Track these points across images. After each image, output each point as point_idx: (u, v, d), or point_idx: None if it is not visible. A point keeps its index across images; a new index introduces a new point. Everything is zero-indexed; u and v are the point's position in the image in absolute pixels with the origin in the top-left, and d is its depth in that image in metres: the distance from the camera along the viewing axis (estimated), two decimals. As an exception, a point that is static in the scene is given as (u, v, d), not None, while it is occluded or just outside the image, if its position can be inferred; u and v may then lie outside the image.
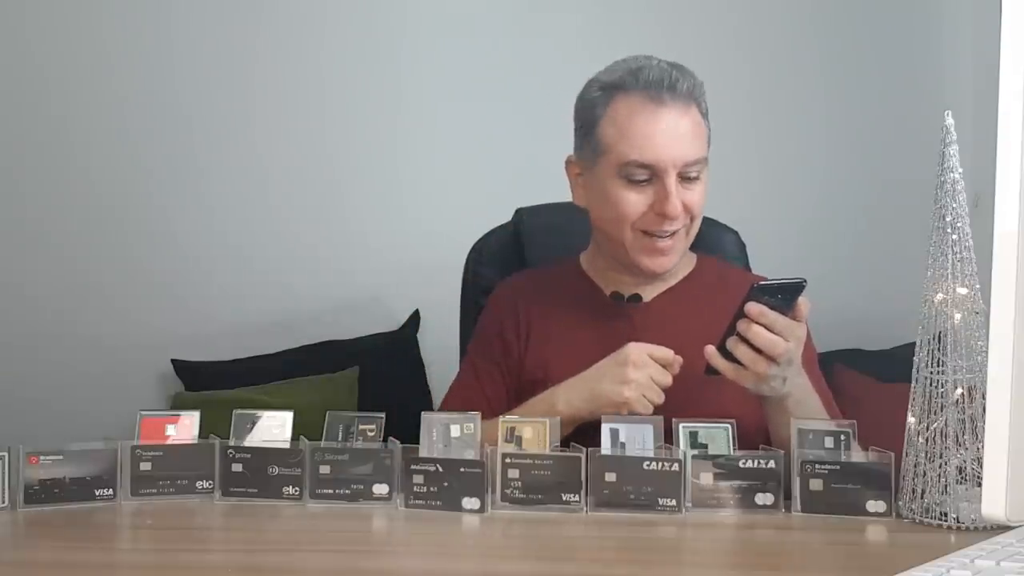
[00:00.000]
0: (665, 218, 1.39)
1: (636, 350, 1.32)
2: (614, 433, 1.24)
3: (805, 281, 1.21)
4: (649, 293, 1.51)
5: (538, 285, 1.58)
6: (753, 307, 1.20)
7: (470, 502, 1.18)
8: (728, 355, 1.23)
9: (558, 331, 1.51)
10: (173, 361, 2.85)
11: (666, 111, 1.38)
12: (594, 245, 1.56)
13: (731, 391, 1.30)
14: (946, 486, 1.10)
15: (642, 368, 1.30)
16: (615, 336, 1.45)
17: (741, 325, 1.21)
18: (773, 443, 1.31)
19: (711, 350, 1.24)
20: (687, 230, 1.44)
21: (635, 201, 1.40)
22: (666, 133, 1.37)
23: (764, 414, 1.34)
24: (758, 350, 1.21)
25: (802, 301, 1.23)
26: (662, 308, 1.50)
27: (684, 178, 1.39)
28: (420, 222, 2.96)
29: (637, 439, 1.23)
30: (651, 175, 1.38)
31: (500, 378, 1.52)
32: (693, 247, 1.51)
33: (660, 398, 1.30)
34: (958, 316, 1.10)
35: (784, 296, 1.21)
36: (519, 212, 1.81)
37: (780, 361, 1.22)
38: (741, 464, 1.19)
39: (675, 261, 1.46)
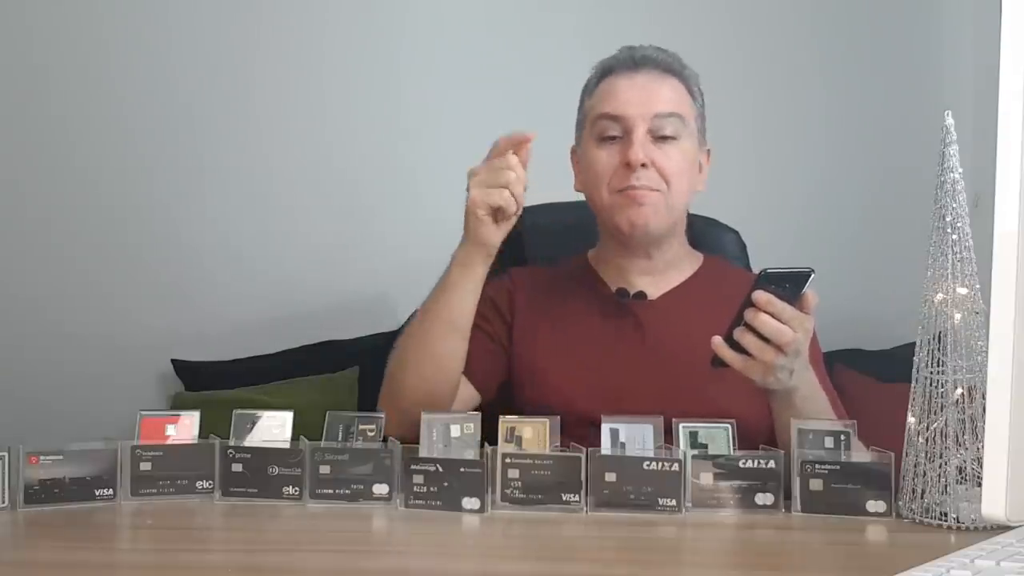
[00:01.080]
0: (629, 168, 1.38)
1: None
2: (614, 433, 1.24)
3: (813, 271, 1.21)
4: (655, 291, 1.51)
5: (539, 277, 1.57)
6: (761, 295, 1.19)
7: (470, 502, 1.18)
8: (735, 346, 1.22)
9: (560, 324, 1.50)
10: (173, 361, 2.85)
11: (641, 74, 1.41)
12: (601, 240, 1.56)
13: (732, 391, 1.30)
14: (946, 486, 1.10)
15: (481, 166, 1.32)
16: (619, 332, 1.44)
17: (748, 314, 1.20)
18: (779, 444, 1.30)
19: (718, 340, 1.23)
20: (665, 197, 1.42)
21: (605, 158, 1.41)
22: (636, 90, 1.40)
23: (772, 411, 1.32)
24: (765, 339, 1.20)
25: (809, 293, 1.22)
26: (667, 306, 1.50)
27: (658, 137, 1.39)
28: (420, 222, 2.96)
29: (637, 439, 1.23)
30: (622, 131, 1.40)
31: (484, 339, 1.49)
32: (696, 246, 1.51)
33: (507, 178, 1.30)
34: (958, 316, 1.10)
35: (791, 285, 1.20)
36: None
37: (787, 351, 1.20)
38: (741, 464, 1.19)
39: (654, 221, 1.43)
